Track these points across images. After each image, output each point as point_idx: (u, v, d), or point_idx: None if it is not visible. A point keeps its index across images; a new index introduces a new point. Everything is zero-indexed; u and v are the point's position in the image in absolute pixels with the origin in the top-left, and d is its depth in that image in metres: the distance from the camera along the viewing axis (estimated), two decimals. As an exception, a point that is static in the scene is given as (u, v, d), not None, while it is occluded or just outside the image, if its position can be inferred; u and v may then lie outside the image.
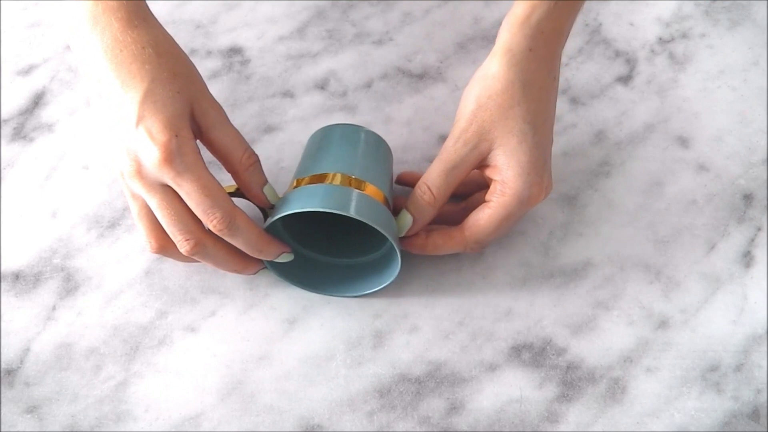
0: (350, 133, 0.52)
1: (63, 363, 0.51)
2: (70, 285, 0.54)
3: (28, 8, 0.64)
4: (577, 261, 0.55)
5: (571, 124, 0.59)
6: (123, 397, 0.51)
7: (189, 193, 0.45)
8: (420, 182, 0.50)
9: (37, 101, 0.60)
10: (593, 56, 0.62)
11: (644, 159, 0.58)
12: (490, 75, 0.49)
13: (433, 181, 0.49)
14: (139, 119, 0.44)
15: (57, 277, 0.54)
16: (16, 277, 0.54)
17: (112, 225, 0.56)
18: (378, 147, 0.52)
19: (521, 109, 0.48)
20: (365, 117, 0.59)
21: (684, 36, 0.63)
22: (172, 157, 0.44)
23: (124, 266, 0.54)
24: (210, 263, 0.49)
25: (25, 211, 0.56)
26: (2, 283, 0.54)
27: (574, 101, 0.60)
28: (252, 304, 0.53)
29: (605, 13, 0.64)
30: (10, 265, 0.54)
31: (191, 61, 0.48)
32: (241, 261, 0.50)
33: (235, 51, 0.62)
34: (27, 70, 0.61)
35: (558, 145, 0.58)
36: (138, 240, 0.55)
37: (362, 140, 0.52)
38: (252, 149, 0.48)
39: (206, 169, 0.45)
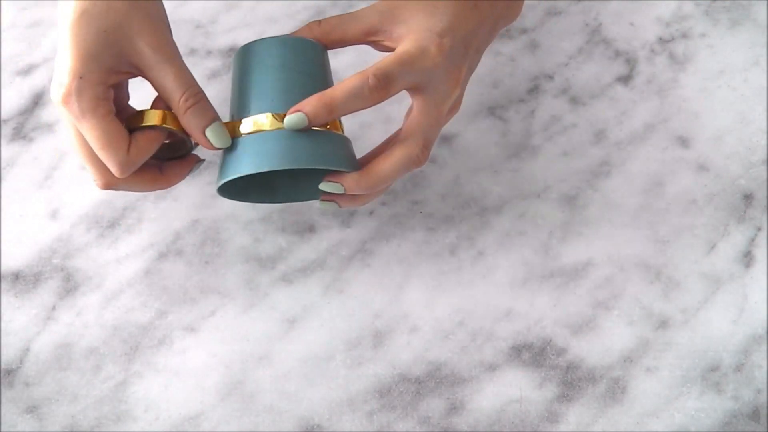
0: (276, 51, 0.48)
1: (63, 363, 0.51)
2: (69, 285, 0.54)
3: (28, 8, 0.64)
4: (577, 261, 0.55)
5: (571, 124, 0.59)
6: (123, 397, 0.50)
7: (87, 140, 0.45)
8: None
9: (37, 101, 0.60)
10: (593, 56, 0.62)
11: (644, 159, 0.58)
12: None
13: (325, 19, 0.49)
14: (59, 50, 0.44)
15: (57, 277, 0.54)
16: (16, 277, 0.54)
17: (112, 225, 0.56)
18: (307, 57, 0.49)
19: (445, 9, 0.47)
20: (365, 117, 0.59)
21: (684, 36, 0.63)
22: (70, 99, 0.43)
23: (124, 266, 0.54)
24: (131, 190, 0.49)
25: (25, 211, 0.56)
26: (2, 283, 0.54)
27: (574, 101, 0.60)
28: (252, 304, 0.53)
29: (605, 13, 0.64)
30: (10, 265, 0.54)
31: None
32: (157, 182, 0.48)
33: (235, 51, 0.62)
34: (27, 70, 0.61)
35: (558, 145, 0.59)
36: (138, 240, 0.55)
37: (293, 57, 0.48)
38: (195, 88, 0.46)
39: (106, 115, 0.44)
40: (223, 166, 0.47)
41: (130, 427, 0.50)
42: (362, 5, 0.63)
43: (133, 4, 0.45)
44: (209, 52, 0.62)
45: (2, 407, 0.50)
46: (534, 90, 0.61)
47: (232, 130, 0.47)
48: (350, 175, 0.47)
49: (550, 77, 0.61)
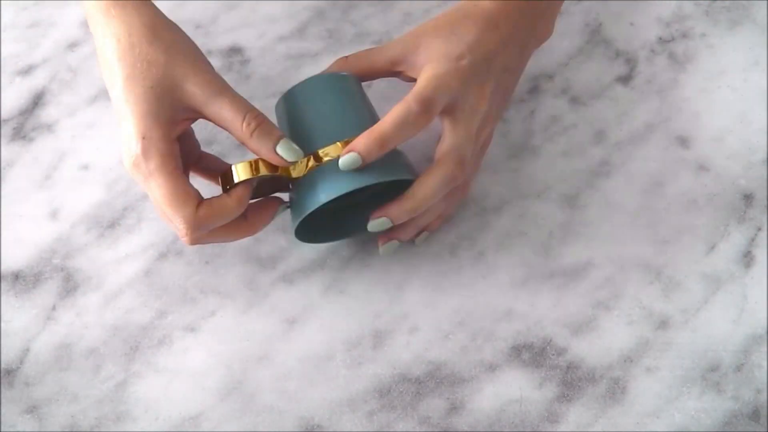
0: (318, 90, 0.51)
1: (63, 363, 0.51)
2: (69, 285, 0.54)
3: (28, 8, 0.64)
4: (577, 261, 0.55)
5: (571, 124, 0.59)
6: (123, 397, 0.51)
7: (155, 199, 0.46)
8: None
9: (37, 101, 0.60)
10: (593, 56, 0.62)
11: (644, 159, 0.58)
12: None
13: (352, 54, 0.51)
14: (119, 120, 0.46)
15: (57, 277, 0.54)
16: (16, 277, 0.54)
17: (112, 225, 0.56)
18: (348, 89, 0.51)
19: (455, 26, 0.50)
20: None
21: (684, 36, 0.63)
22: (138, 161, 0.45)
23: (124, 266, 0.54)
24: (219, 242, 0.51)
25: (25, 211, 0.56)
26: (2, 283, 0.54)
27: (574, 101, 0.60)
28: (252, 304, 0.53)
29: (605, 13, 0.64)
30: (10, 265, 0.54)
31: (182, 39, 0.48)
32: (240, 229, 0.49)
33: (235, 51, 0.62)
34: (27, 70, 0.61)
35: (558, 145, 0.59)
36: (138, 240, 0.55)
37: (341, 89, 0.51)
38: (254, 111, 0.47)
39: (173, 172, 0.45)
40: (293, 209, 0.49)
41: (130, 427, 0.50)
42: (363, 5, 0.64)
43: (170, 52, 0.46)
44: (209, 52, 0.62)
45: (2, 407, 0.50)
46: (534, 90, 0.61)
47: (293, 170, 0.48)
48: (392, 205, 0.48)
49: (550, 77, 0.61)
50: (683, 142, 0.59)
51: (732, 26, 0.63)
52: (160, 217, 0.48)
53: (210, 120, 0.47)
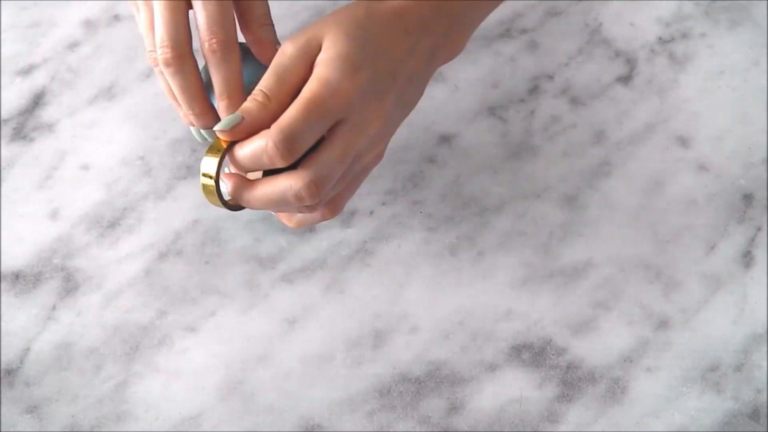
0: None
1: (63, 363, 0.51)
2: (70, 285, 0.54)
3: (28, 8, 0.64)
4: (577, 261, 0.55)
5: (571, 124, 0.59)
6: (123, 397, 0.51)
7: (158, 14, 0.43)
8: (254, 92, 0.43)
9: (37, 101, 0.60)
10: (593, 56, 0.62)
11: (644, 159, 0.58)
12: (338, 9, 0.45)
13: (264, 84, 0.42)
14: None
15: (57, 277, 0.54)
16: (16, 277, 0.54)
17: (112, 225, 0.56)
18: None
19: (361, 24, 0.43)
20: (365, 117, 0.59)
21: (684, 36, 0.63)
22: None
23: (124, 266, 0.54)
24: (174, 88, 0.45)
25: (25, 211, 0.56)
26: (2, 283, 0.54)
27: (574, 101, 0.60)
28: (252, 304, 0.53)
29: (605, 13, 0.64)
30: (10, 265, 0.54)
31: None
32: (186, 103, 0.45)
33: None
34: (27, 70, 0.61)
35: (558, 145, 0.59)
36: (138, 240, 0.55)
37: None
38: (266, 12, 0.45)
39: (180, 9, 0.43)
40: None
41: (131, 427, 0.50)
42: (362, 5, 0.64)
43: None
44: (209, 52, 0.62)
45: (2, 407, 0.50)
46: (534, 90, 0.61)
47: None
48: (234, 182, 0.44)
49: (550, 77, 0.61)
50: (683, 142, 0.59)
51: (732, 26, 0.63)
52: (143, 29, 0.45)
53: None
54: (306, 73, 0.42)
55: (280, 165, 0.41)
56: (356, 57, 0.42)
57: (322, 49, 0.42)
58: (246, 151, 0.42)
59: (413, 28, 0.44)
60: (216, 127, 0.43)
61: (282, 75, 0.42)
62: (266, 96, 0.42)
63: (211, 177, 0.43)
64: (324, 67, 0.42)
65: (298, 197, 0.42)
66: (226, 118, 0.42)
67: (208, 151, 0.44)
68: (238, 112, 0.42)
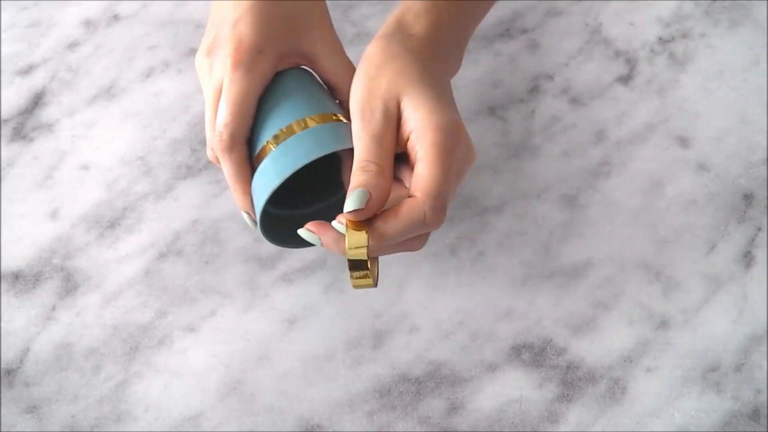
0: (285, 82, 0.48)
1: (63, 363, 0.51)
2: (69, 285, 0.54)
3: (28, 8, 0.64)
4: (577, 261, 0.55)
5: (571, 124, 0.59)
6: (123, 397, 0.51)
7: (223, 100, 0.46)
8: (356, 162, 0.44)
9: (37, 101, 0.60)
10: (593, 56, 0.62)
11: (644, 159, 0.58)
12: (363, 57, 0.46)
13: (367, 153, 0.43)
14: (235, 15, 0.46)
15: (57, 277, 0.54)
16: (16, 277, 0.54)
17: (112, 225, 0.56)
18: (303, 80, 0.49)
19: (408, 63, 0.45)
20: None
21: (684, 36, 0.63)
22: (238, 67, 0.45)
23: (124, 266, 0.54)
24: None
25: (25, 211, 0.56)
26: (2, 283, 0.54)
27: (574, 101, 0.60)
28: (252, 304, 0.53)
29: (605, 13, 0.64)
30: (10, 265, 0.54)
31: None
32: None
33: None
34: (27, 70, 0.61)
35: (558, 145, 0.59)
36: (138, 240, 0.55)
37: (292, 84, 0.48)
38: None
39: (257, 93, 0.46)
40: (256, 187, 0.46)
41: (131, 427, 0.50)
42: (363, 5, 0.64)
43: (315, 4, 0.47)
44: (209, 52, 0.62)
45: (2, 407, 0.50)
46: (534, 90, 0.61)
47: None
48: (374, 237, 0.43)
49: (550, 77, 0.61)
50: (683, 142, 0.59)
51: (732, 26, 0.63)
52: (207, 120, 0.47)
53: (318, 72, 0.48)
54: (394, 134, 0.44)
55: (437, 228, 0.43)
56: (439, 99, 0.44)
57: (408, 107, 0.44)
58: (400, 226, 0.42)
59: (443, 55, 0.48)
60: (348, 208, 0.42)
61: (381, 141, 0.43)
62: (378, 165, 0.43)
63: (364, 247, 0.43)
64: (428, 117, 0.43)
65: (432, 224, 0.43)
66: (353, 198, 0.42)
67: (348, 238, 0.43)
68: (364, 188, 0.42)
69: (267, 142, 0.46)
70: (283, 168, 0.44)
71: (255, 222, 0.47)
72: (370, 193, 0.42)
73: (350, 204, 0.42)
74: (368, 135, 0.43)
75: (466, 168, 0.45)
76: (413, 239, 0.45)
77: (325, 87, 0.50)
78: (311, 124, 0.46)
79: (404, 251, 0.46)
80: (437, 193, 0.42)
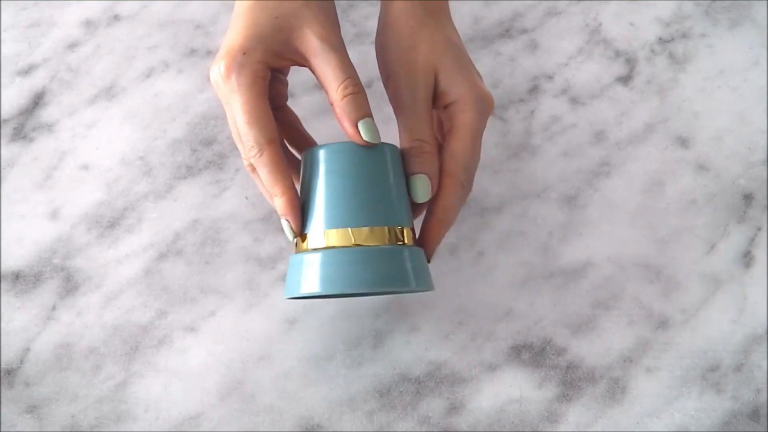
0: (351, 158, 0.45)
1: (63, 363, 0.51)
2: (70, 285, 0.54)
3: (28, 8, 0.64)
4: (577, 261, 0.55)
5: (571, 124, 0.59)
6: (123, 397, 0.51)
7: (234, 114, 0.45)
8: (408, 140, 0.47)
9: (37, 101, 0.60)
10: (593, 56, 0.62)
11: (644, 159, 0.58)
12: (389, 22, 0.49)
13: (419, 132, 0.47)
14: (228, 35, 0.46)
15: (57, 277, 0.54)
16: (16, 277, 0.54)
17: (112, 225, 0.56)
18: (383, 162, 0.46)
19: (435, 31, 0.48)
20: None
21: (684, 36, 0.63)
22: (230, 73, 0.45)
23: (124, 266, 0.54)
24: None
25: (25, 211, 0.56)
26: (2, 283, 0.54)
27: (574, 101, 0.60)
28: (252, 304, 0.53)
29: (605, 13, 0.64)
30: (10, 265, 0.54)
31: None
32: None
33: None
34: (27, 70, 0.61)
35: (558, 145, 0.59)
36: (138, 240, 0.55)
37: (369, 164, 0.46)
38: (355, 79, 0.45)
39: (260, 93, 0.45)
40: (292, 277, 0.45)
41: (131, 427, 0.50)
42: (363, 5, 0.64)
43: None
44: (209, 52, 0.62)
45: (2, 407, 0.50)
46: (534, 90, 0.61)
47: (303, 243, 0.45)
48: (431, 239, 0.47)
49: (550, 77, 0.61)
50: (683, 142, 0.59)
51: (732, 26, 0.63)
52: (234, 138, 0.47)
53: (312, 71, 0.47)
54: (433, 101, 0.48)
55: (468, 195, 0.48)
56: (472, 70, 0.48)
57: (446, 80, 0.47)
58: (450, 202, 0.46)
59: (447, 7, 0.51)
60: (420, 200, 0.46)
61: (428, 118, 0.47)
62: (431, 145, 0.47)
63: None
64: (468, 93, 0.47)
65: (469, 191, 0.48)
66: (422, 189, 0.46)
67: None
68: (426, 177, 0.46)
69: (327, 231, 0.44)
70: (331, 283, 0.43)
71: (295, 233, 0.46)
72: (431, 179, 0.46)
73: (421, 196, 0.46)
74: (419, 113, 0.47)
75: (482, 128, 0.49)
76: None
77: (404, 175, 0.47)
78: (381, 240, 0.44)
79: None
80: (469, 168, 0.47)
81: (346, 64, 0.46)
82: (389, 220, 0.44)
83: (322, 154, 0.45)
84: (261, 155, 0.45)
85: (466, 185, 0.47)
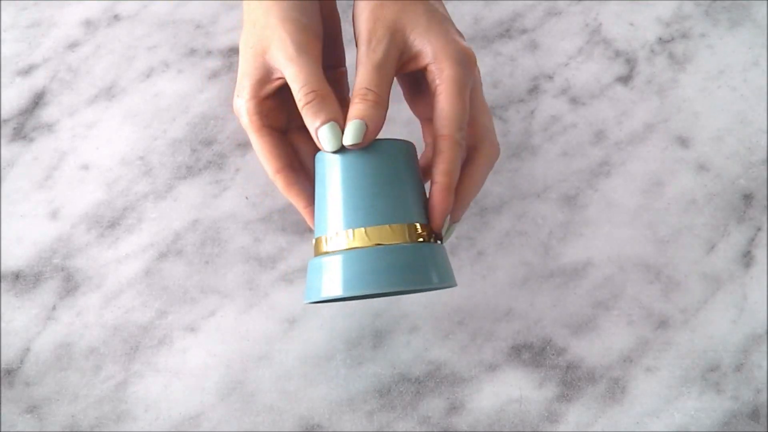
0: (367, 159, 0.45)
1: (63, 363, 0.51)
2: (70, 285, 0.54)
3: (28, 8, 0.64)
4: (577, 261, 0.55)
5: (571, 124, 0.59)
6: (123, 397, 0.51)
7: (256, 152, 0.48)
8: (356, 88, 0.45)
9: (37, 101, 0.60)
10: (593, 56, 0.62)
11: (644, 159, 0.58)
12: None
13: (367, 80, 0.45)
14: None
15: (57, 277, 0.54)
16: (16, 277, 0.54)
17: (112, 225, 0.56)
18: (399, 160, 0.46)
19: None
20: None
21: (684, 36, 0.63)
22: (239, 119, 0.48)
23: (124, 266, 0.54)
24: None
25: (25, 210, 0.56)
26: (2, 283, 0.54)
27: (574, 101, 0.60)
28: (252, 304, 0.53)
29: (605, 13, 0.64)
30: (10, 265, 0.54)
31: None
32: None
33: (235, 51, 0.62)
34: (27, 70, 0.61)
35: (558, 145, 0.59)
36: (138, 240, 0.55)
37: (385, 164, 0.45)
38: (314, 84, 0.44)
39: (259, 129, 0.47)
40: (312, 281, 0.44)
41: (131, 426, 0.50)
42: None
43: (271, 12, 0.47)
44: (209, 52, 0.62)
45: (2, 407, 0.50)
46: (534, 90, 0.61)
47: (320, 245, 0.45)
48: (455, 208, 0.46)
49: (550, 77, 0.61)
50: (683, 142, 0.59)
51: (732, 26, 0.63)
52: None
53: (287, 79, 0.47)
54: (394, 64, 0.46)
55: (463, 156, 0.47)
56: (451, 31, 0.47)
57: (419, 40, 0.46)
58: (449, 165, 0.45)
59: None
60: (347, 142, 0.44)
61: (381, 69, 0.45)
62: (376, 94, 0.45)
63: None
64: (442, 52, 0.46)
65: (497, 156, 0.48)
66: (352, 130, 0.44)
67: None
68: (362, 120, 0.44)
69: (346, 231, 0.43)
70: (353, 285, 0.42)
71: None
72: (367, 125, 0.44)
73: (349, 137, 0.44)
74: (371, 63, 0.45)
75: (478, 83, 0.48)
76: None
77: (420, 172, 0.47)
78: (401, 238, 0.43)
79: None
80: (461, 124, 0.45)
81: (304, 70, 0.45)
82: (408, 217, 0.44)
83: (333, 155, 0.45)
84: (274, 182, 0.48)
85: (463, 143, 0.46)
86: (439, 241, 0.45)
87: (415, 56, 0.46)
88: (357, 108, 0.44)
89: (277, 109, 0.48)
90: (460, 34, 0.48)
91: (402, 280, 0.42)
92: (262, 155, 0.47)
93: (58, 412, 0.50)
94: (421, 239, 0.44)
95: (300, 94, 0.44)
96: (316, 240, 0.45)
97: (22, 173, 0.58)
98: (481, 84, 0.48)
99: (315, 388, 0.51)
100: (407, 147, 0.46)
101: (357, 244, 0.43)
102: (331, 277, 0.43)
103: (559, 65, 0.62)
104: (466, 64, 0.46)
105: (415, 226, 0.44)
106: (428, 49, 0.46)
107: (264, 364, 0.52)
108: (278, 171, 0.47)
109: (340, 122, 0.44)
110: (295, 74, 0.45)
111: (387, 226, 0.43)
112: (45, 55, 0.62)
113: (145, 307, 0.53)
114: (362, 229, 0.43)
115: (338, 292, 0.42)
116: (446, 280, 0.44)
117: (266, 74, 0.47)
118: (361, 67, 0.45)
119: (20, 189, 0.57)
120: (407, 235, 0.43)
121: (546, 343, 0.52)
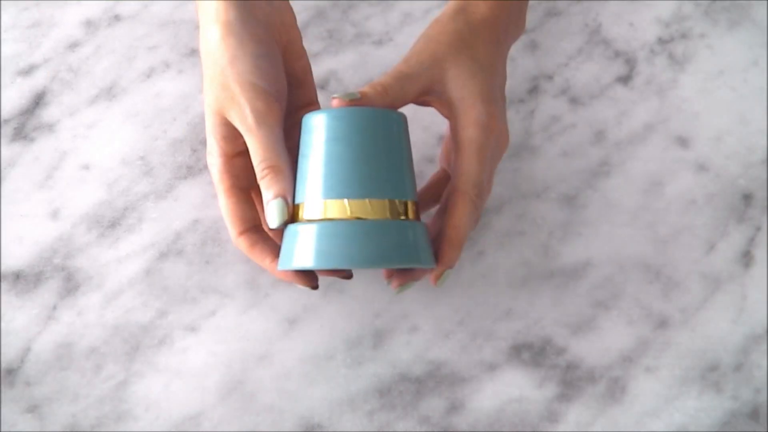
0: (355, 125, 0.43)
1: (63, 363, 0.52)
2: (70, 285, 0.54)
3: (28, 8, 0.64)
4: (577, 261, 0.55)
5: (571, 124, 0.59)
6: (123, 397, 0.51)
7: (221, 210, 0.49)
8: (372, 83, 0.46)
9: (38, 101, 0.60)
10: (593, 56, 0.62)
11: (644, 159, 0.58)
12: (439, 19, 0.49)
13: (384, 80, 0.46)
14: None
15: (57, 276, 0.54)
16: (17, 276, 0.54)
17: (113, 225, 0.56)
18: (388, 131, 0.44)
19: (471, 50, 0.47)
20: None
21: (684, 36, 0.63)
22: (211, 176, 0.49)
23: (125, 266, 0.54)
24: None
25: (25, 210, 0.56)
26: (3, 283, 0.54)
27: (574, 101, 0.60)
28: (252, 304, 0.53)
29: (605, 13, 0.64)
30: (11, 265, 0.54)
31: (244, 52, 0.45)
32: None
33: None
34: (27, 70, 0.61)
35: (558, 145, 0.59)
36: (139, 240, 0.55)
37: (373, 133, 0.43)
38: (270, 160, 0.44)
39: (226, 190, 0.48)
40: (286, 248, 0.43)
41: (131, 426, 0.50)
42: (363, 5, 0.64)
43: (229, 75, 0.46)
44: (209, 53, 0.62)
45: (3, 407, 0.50)
46: (534, 90, 0.61)
47: (297, 212, 0.43)
48: (443, 259, 0.45)
49: (550, 77, 0.61)
50: (683, 142, 0.59)
51: (731, 26, 0.63)
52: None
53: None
54: (419, 89, 0.47)
55: (484, 205, 0.48)
56: (488, 89, 0.47)
57: (449, 85, 0.47)
58: (462, 221, 0.45)
59: (502, 35, 0.50)
60: (338, 95, 0.44)
61: (403, 83, 0.46)
62: (386, 90, 0.45)
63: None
64: (471, 108, 0.46)
65: (480, 209, 0.47)
66: (346, 92, 0.45)
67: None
68: (356, 92, 0.45)
69: (325, 201, 0.42)
70: (326, 258, 0.41)
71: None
72: (360, 97, 0.45)
73: (342, 94, 0.45)
74: (397, 72, 0.46)
75: (499, 154, 0.48)
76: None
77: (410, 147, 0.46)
78: (381, 213, 0.41)
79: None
80: (478, 183, 0.46)
81: (261, 145, 0.44)
82: (391, 193, 0.42)
83: (322, 120, 0.43)
84: (236, 244, 0.49)
85: (478, 202, 0.46)
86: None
87: (441, 101, 0.48)
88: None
89: (248, 168, 0.49)
90: (496, 90, 0.48)
91: (378, 257, 0.41)
92: (227, 217, 0.48)
93: (58, 412, 0.50)
94: (402, 217, 0.42)
95: (258, 168, 0.45)
96: (296, 206, 0.44)
97: (23, 173, 0.58)
98: (502, 149, 0.49)
99: (315, 388, 0.51)
100: (400, 120, 0.44)
101: (335, 215, 0.41)
102: (306, 247, 0.41)
103: (558, 65, 0.62)
104: (485, 128, 0.46)
105: (397, 203, 0.42)
106: (458, 104, 0.47)
107: (264, 364, 0.52)
108: (241, 233, 0.48)
109: (287, 198, 0.44)
110: (255, 148, 0.45)
111: (367, 200, 0.41)
112: (45, 55, 0.62)
113: (145, 307, 0.53)
114: (343, 201, 0.42)
115: (310, 264, 0.41)
116: (423, 261, 0.42)
117: (230, 132, 0.47)
118: (390, 70, 0.47)
119: (21, 189, 0.57)
120: (388, 212, 0.42)
121: (546, 343, 0.53)
